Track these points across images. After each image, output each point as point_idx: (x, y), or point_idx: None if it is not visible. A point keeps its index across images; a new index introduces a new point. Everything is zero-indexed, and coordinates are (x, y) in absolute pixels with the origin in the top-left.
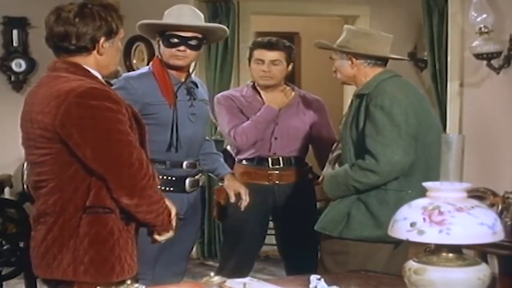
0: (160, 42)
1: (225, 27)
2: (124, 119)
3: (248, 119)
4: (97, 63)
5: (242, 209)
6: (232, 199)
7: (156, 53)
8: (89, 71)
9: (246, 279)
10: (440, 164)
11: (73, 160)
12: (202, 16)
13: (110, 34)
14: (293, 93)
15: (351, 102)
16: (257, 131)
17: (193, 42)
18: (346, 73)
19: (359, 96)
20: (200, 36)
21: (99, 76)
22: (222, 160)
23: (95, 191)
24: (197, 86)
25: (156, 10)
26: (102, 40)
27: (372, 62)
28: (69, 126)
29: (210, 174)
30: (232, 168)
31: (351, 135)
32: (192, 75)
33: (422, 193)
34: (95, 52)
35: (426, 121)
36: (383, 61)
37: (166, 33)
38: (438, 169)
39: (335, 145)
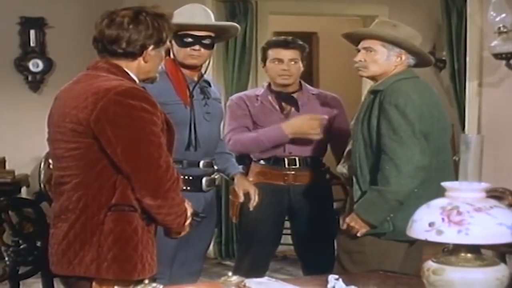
0: (173, 42)
1: (237, 25)
2: (158, 122)
3: (253, 122)
4: (139, 68)
5: (251, 208)
6: (241, 198)
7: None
8: (128, 74)
9: (264, 279)
10: (452, 164)
11: (101, 157)
12: (212, 14)
13: (159, 43)
14: (318, 134)
15: (365, 98)
16: (254, 147)
17: (207, 41)
18: (384, 67)
19: (373, 92)
20: (213, 34)
21: (137, 80)
22: (233, 160)
23: (122, 189)
24: (209, 85)
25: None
26: (150, 48)
27: (415, 60)
28: (104, 122)
29: (221, 174)
30: (248, 168)
31: (362, 130)
32: (205, 75)
33: (432, 192)
34: (140, 58)
35: (440, 124)
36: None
37: (180, 33)
38: (451, 169)
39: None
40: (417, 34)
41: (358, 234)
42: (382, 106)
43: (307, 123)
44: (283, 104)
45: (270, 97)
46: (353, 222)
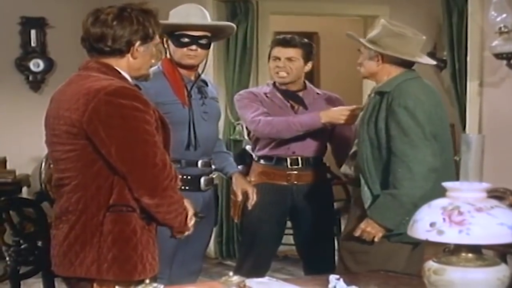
0: (170, 42)
1: (233, 25)
2: (151, 120)
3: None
4: (129, 65)
5: (250, 207)
6: (239, 198)
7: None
8: (120, 72)
9: (265, 279)
10: (453, 162)
11: (97, 158)
12: (208, 13)
13: (146, 39)
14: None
15: (369, 99)
16: (284, 130)
17: (203, 41)
18: (370, 69)
19: (379, 93)
20: (209, 34)
21: (129, 79)
22: (231, 159)
23: (119, 189)
24: (206, 84)
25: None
26: (137, 44)
27: (398, 63)
28: (97, 122)
29: (219, 173)
30: (249, 168)
31: (368, 132)
32: (203, 74)
33: (439, 191)
34: (128, 55)
35: (444, 123)
36: (410, 63)
37: (176, 33)
38: (453, 167)
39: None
40: (409, 40)
41: (376, 239)
42: (390, 108)
43: (345, 113)
44: (290, 102)
45: (278, 95)
46: (369, 228)
